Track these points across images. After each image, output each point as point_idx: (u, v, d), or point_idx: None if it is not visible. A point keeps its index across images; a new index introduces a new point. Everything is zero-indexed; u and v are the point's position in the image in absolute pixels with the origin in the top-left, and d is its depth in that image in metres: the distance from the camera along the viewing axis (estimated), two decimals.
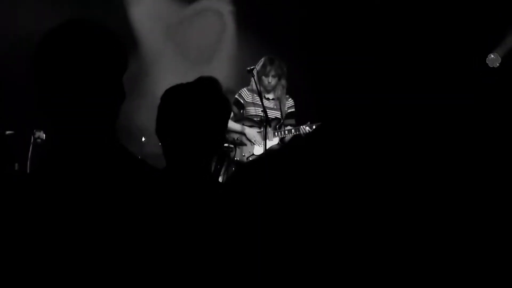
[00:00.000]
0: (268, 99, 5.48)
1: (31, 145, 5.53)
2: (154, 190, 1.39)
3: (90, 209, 1.29)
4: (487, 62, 6.75)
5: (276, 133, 5.45)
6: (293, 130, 5.37)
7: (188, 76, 2.10)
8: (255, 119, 5.48)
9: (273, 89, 5.45)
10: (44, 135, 5.61)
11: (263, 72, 5.35)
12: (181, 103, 1.92)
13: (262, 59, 5.45)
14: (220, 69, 6.71)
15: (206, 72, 5.23)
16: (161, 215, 1.34)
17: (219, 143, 2.02)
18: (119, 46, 1.40)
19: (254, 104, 5.46)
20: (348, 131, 0.98)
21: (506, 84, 5.97)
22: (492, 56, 6.74)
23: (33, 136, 5.56)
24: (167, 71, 6.98)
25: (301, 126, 5.36)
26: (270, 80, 5.36)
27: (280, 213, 0.95)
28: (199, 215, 1.39)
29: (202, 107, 1.91)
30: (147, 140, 6.10)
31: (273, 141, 5.43)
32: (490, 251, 0.88)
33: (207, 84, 1.98)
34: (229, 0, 7.52)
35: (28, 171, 5.44)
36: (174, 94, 1.95)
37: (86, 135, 1.36)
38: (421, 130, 0.95)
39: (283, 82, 5.44)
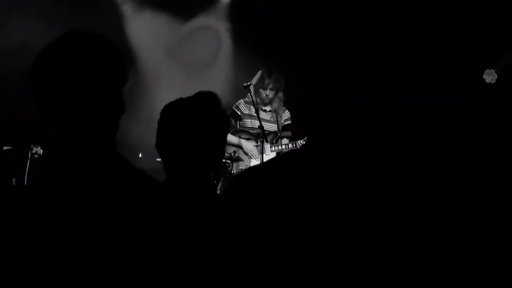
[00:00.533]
0: (265, 111, 5.46)
1: (29, 160, 5.53)
2: (155, 200, 1.41)
3: (89, 218, 1.30)
4: (483, 77, 6.78)
5: (273, 148, 5.45)
6: (290, 145, 5.36)
7: (184, 91, 2.11)
8: (251, 131, 5.47)
9: (270, 102, 5.45)
10: (42, 150, 5.62)
11: (260, 85, 5.35)
12: (181, 117, 1.93)
13: (260, 72, 5.44)
14: (217, 85, 6.73)
15: (203, 87, 5.23)
16: (162, 225, 1.35)
17: (219, 157, 2.03)
18: (118, 58, 1.42)
19: (251, 116, 5.44)
20: (346, 136, 0.98)
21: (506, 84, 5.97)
22: (489, 71, 6.77)
23: (31, 152, 5.55)
24: (164, 87, 7.00)
25: (299, 141, 5.36)
26: (268, 93, 5.36)
27: (278, 220, 0.95)
28: (199, 226, 1.40)
29: (201, 122, 1.92)
30: (144, 156, 6.10)
31: (270, 156, 5.40)
32: (491, 251, 0.87)
33: (206, 99, 1.99)
34: (225, 17, 7.57)
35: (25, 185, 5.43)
36: (174, 108, 1.96)
37: (86, 141, 1.38)
38: (421, 132, 0.94)
39: (280, 95, 5.43)
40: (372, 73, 0.96)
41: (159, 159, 1.99)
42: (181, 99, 1.99)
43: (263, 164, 1.09)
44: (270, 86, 5.33)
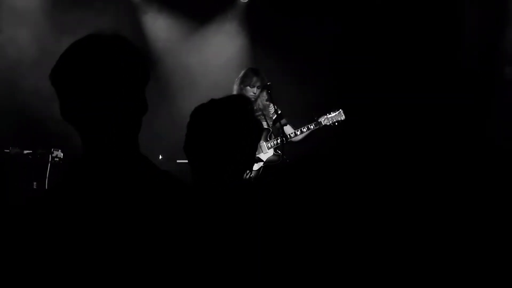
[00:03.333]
0: None
1: (49, 164, 5.58)
2: (182, 201, 1.39)
3: (117, 220, 1.29)
4: (505, 73, 6.71)
5: (268, 144, 5.45)
6: (283, 138, 5.32)
7: (204, 93, 2.07)
8: None
9: (255, 100, 5.43)
10: (62, 154, 5.66)
11: (248, 83, 5.36)
12: (212, 121, 1.89)
13: (245, 71, 5.48)
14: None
15: (221, 89, 5.25)
16: (189, 227, 1.34)
17: (250, 162, 1.98)
18: (140, 57, 1.41)
19: None
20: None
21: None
22: (509, 68, 6.70)
23: (51, 155, 5.61)
24: (183, 88, 7.02)
25: (299, 130, 5.41)
26: (255, 91, 5.37)
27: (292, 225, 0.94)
28: (226, 228, 1.38)
29: (234, 126, 1.89)
30: (164, 158, 6.10)
31: (268, 153, 5.44)
32: (489, 252, 0.86)
33: (238, 103, 1.95)
34: (244, 17, 7.56)
35: (46, 188, 5.48)
36: (204, 112, 1.92)
37: (109, 142, 1.37)
38: (420, 131, 0.93)
39: (264, 93, 5.43)
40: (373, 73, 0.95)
41: (179, 161, 1.96)
42: (211, 102, 1.95)
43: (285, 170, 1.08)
44: (258, 84, 5.36)
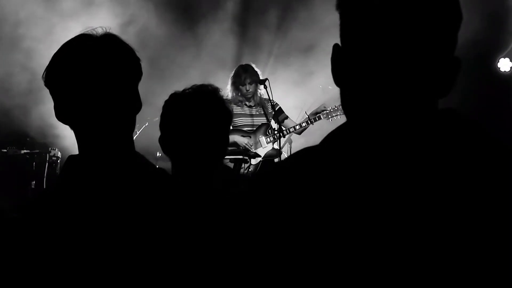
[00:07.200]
0: (250, 106, 5.46)
1: (47, 163, 5.59)
2: (175, 199, 1.40)
3: (112, 219, 1.29)
4: (498, 66, 6.73)
5: (268, 139, 5.47)
6: (281, 133, 5.35)
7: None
8: (244, 129, 5.45)
9: (252, 96, 5.43)
10: (60, 153, 5.67)
11: (239, 82, 5.34)
12: (184, 111, 1.91)
13: (235, 70, 5.48)
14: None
15: (218, 85, 5.22)
16: (182, 224, 1.35)
17: (222, 152, 2.00)
18: (131, 54, 1.40)
19: (240, 115, 5.43)
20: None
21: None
22: (504, 60, 6.72)
23: (49, 155, 5.61)
24: (180, 84, 6.99)
25: (298, 124, 5.43)
26: (248, 88, 5.36)
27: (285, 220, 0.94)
28: (205, 223, 1.38)
29: (205, 115, 1.90)
30: (162, 155, 6.09)
31: (267, 147, 5.45)
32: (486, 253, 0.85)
33: (209, 92, 1.97)
34: (236, 13, 7.55)
35: (44, 188, 5.48)
36: (177, 101, 1.94)
37: (104, 141, 1.37)
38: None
39: (260, 87, 5.42)
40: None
41: None
42: (184, 91, 1.97)
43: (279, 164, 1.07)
44: (248, 80, 5.34)
